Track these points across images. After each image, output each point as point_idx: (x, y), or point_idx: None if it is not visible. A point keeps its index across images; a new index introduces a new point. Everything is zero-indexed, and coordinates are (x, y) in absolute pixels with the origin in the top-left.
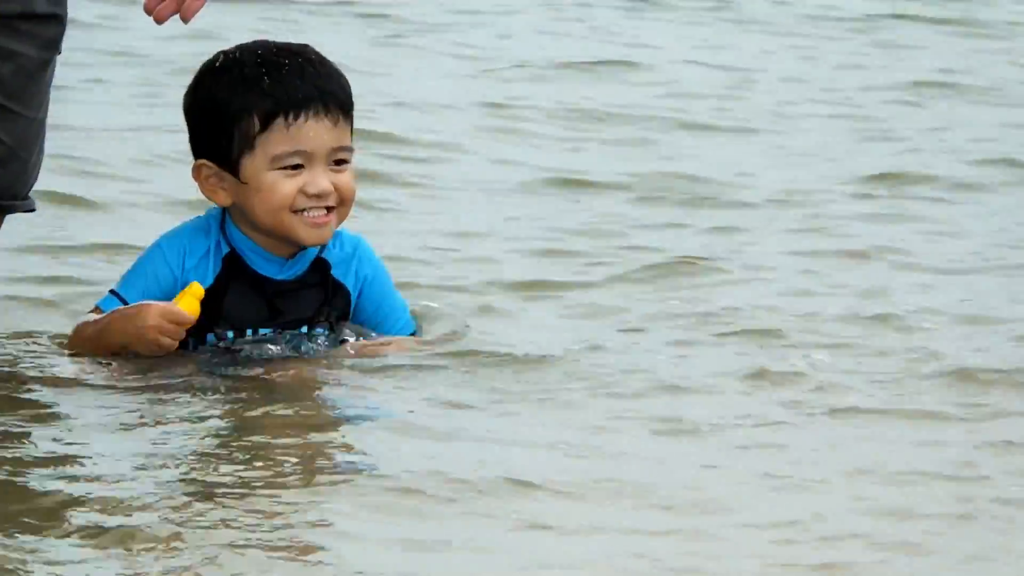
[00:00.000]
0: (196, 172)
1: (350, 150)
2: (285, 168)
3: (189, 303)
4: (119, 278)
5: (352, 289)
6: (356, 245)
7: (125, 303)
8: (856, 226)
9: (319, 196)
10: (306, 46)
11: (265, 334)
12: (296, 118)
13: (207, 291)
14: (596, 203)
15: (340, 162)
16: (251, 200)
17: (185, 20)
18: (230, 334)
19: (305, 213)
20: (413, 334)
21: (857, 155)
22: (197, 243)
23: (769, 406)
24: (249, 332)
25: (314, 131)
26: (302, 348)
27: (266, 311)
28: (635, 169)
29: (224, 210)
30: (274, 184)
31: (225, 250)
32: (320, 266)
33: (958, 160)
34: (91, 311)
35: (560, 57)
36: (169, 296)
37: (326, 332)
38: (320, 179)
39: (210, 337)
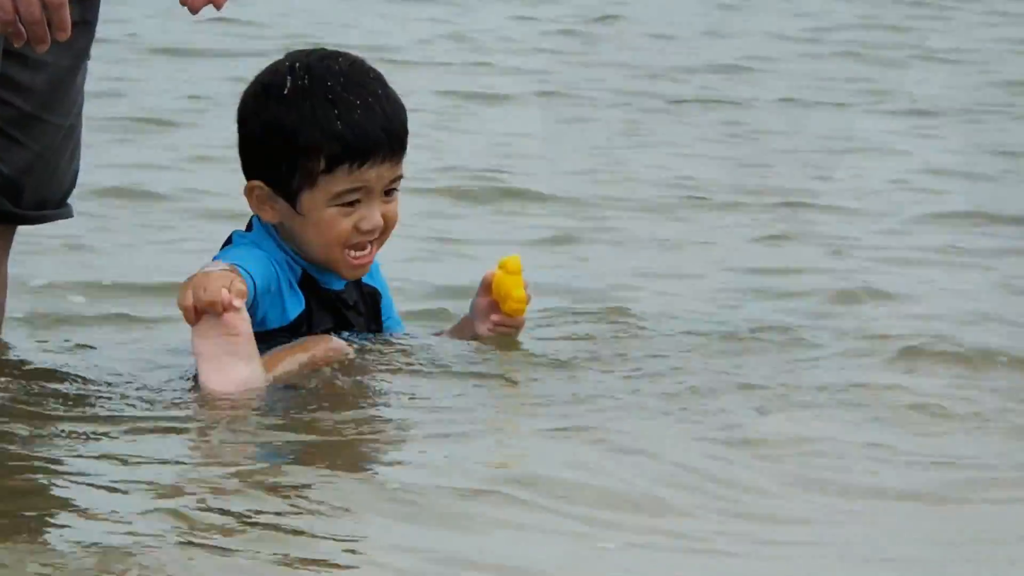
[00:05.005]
0: (248, 192)
1: (401, 177)
2: (343, 205)
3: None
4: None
5: (382, 291)
6: None
7: (249, 274)
8: None
9: (371, 231)
10: (367, 72)
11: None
12: (362, 165)
13: (298, 319)
14: None
15: (391, 191)
16: (305, 231)
17: (218, 7)
18: None
19: (350, 253)
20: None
21: None
22: (282, 272)
23: None
24: None
25: (376, 172)
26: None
27: (340, 327)
28: None
29: (272, 229)
30: (331, 221)
31: (297, 272)
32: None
33: None
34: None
35: None
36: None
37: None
38: (374, 214)
39: None
